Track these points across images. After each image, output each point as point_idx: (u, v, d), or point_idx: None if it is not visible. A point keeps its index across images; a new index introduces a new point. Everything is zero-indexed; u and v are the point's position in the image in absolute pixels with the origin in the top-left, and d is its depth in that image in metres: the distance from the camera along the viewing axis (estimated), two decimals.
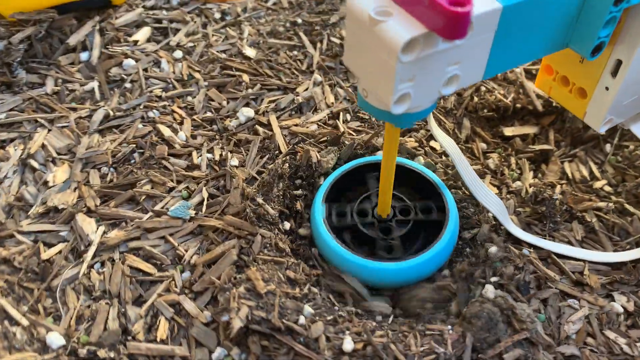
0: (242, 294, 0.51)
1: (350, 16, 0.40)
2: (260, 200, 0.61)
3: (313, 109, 0.73)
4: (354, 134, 0.70)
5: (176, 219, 0.63)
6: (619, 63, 0.54)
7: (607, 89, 0.56)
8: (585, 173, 0.75)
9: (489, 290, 0.55)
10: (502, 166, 0.73)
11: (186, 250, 0.60)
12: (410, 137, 0.72)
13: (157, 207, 0.64)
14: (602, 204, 0.70)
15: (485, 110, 0.77)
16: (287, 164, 0.64)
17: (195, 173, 0.67)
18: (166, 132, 0.71)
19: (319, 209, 0.60)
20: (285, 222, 0.61)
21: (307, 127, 0.70)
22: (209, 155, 0.69)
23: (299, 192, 0.64)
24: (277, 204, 0.61)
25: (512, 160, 0.75)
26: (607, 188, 0.73)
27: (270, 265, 0.56)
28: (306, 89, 0.76)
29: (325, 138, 0.68)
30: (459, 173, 0.66)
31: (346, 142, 0.68)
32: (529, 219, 0.68)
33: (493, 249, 0.61)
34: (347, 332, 0.52)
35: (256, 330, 0.51)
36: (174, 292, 0.57)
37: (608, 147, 0.77)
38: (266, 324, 0.50)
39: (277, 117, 0.72)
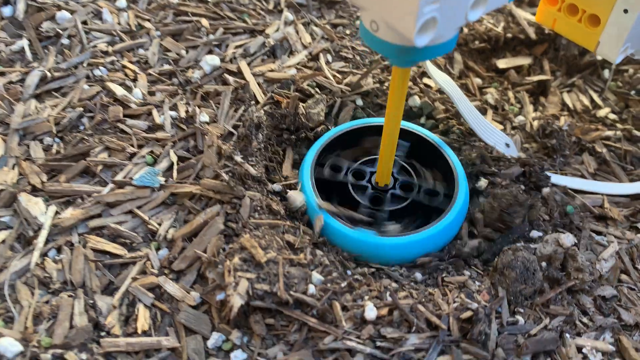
0: (238, 265, 0.42)
1: None
2: (238, 158, 0.51)
3: (288, 52, 0.64)
4: (339, 76, 0.61)
5: (143, 189, 0.53)
6: None
7: (625, 11, 0.49)
8: (587, 102, 0.69)
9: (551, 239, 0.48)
10: (502, 101, 0.67)
11: (159, 224, 0.51)
12: None
13: (119, 177, 0.54)
14: (609, 133, 0.65)
15: (476, 42, 0.70)
16: (263, 112, 0.55)
17: (159, 134, 0.57)
18: (118, 90, 0.60)
19: (309, 161, 0.52)
20: (275, 185, 0.52)
21: (285, 72, 0.61)
22: (173, 113, 0.59)
23: (284, 145, 0.56)
24: (260, 159, 0.52)
25: (510, 94, 0.68)
26: (612, 116, 0.68)
27: (265, 230, 0.47)
28: (277, 30, 0.66)
29: (308, 83, 0.59)
30: (460, 112, 0.59)
31: (332, 87, 0.59)
32: (538, 155, 0.62)
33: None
34: (367, 297, 0.44)
35: (258, 307, 0.43)
36: (151, 273, 0.48)
37: (607, 73, 0.72)
38: (271, 299, 0.42)
39: (248, 64, 0.62)
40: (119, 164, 0.55)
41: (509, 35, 0.72)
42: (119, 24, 0.68)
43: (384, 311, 0.43)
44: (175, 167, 0.54)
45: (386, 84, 0.62)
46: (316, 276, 0.44)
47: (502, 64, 0.71)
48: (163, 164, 0.55)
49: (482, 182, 0.54)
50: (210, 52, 0.65)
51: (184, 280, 0.47)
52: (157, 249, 0.50)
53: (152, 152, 0.56)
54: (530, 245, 0.48)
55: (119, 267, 0.49)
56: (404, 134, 0.56)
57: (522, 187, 0.55)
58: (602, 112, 0.68)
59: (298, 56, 0.63)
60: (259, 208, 0.49)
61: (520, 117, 0.66)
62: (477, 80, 0.69)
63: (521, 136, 0.63)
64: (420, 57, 0.38)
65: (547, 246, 0.48)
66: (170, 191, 0.53)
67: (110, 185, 0.53)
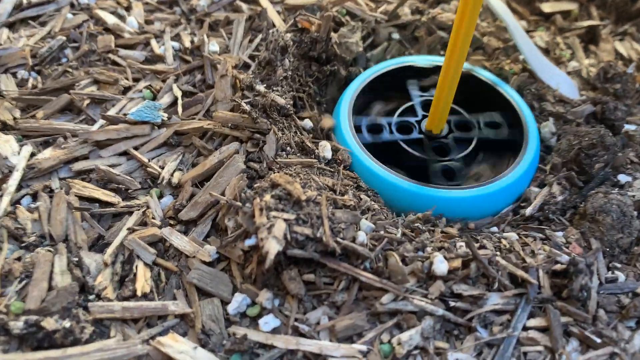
0: (272, 204, 0.32)
1: None
2: (260, 87, 0.42)
3: None
4: (371, 4, 0.52)
5: (141, 125, 0.43)
6: None
7: None
8: None
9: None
10: (553, 44, 0.58)
11: (162, 167, 0.41)
12: (442, 9, 0.55)
13: (111, 113, 0.44)
14: None
15: None
16: (289, 35, 0.46)
17: (160, 66, 0.47)
18: (109, 18, 0.50)
19: (345, 123, 0.43)
20: (306, 120, 0.43)
21: None
22: (175, 44, 0.49)
23: (316, 76, 0.46)
24: (287, 90, 0.43)
25: (559, 39, 0.60)
26: None
27: (298, 169, 0.38)
28: None
29: (337, 9, 0.50)
30: (518, 46, 0.50)
31: (365, 15, 0.50)
32: (607, 98, 0.53)
33: None
34: (431, 247, 0.35)
35: (295, 258, 0.33)
36: (153, 225, 0.38)
37: None
38: (314, 246, 0.32)
39: None
40: (110, 98, 0.45)
41: None
42: None
43: (457, 263, 0.33)
44: (179, 102, 0.45)
45: (425, 15, 0.53)
46: (365, 223, 0.35)
47: (547, 7, 0.63)
48: (164, 100, 0.45)
49: (549, 126, 0.45)
50: None
51: (195, 232, 0.38)
52: (160, 196, 0.40)
53: (150, 86, 0.46)
54: (616, 191, 0.39)
55: (111, 217, 0.39)
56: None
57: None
58: None
59: None
60: (287, 146, 0.39)
61: (574, 63, 0.57)
62: (522, 23, 0.60)
63: (578, 82, 0.54)
64: None
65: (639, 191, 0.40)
66: (174, 129, 0.43)
67: (100, 122, 0.43)
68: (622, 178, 0.41)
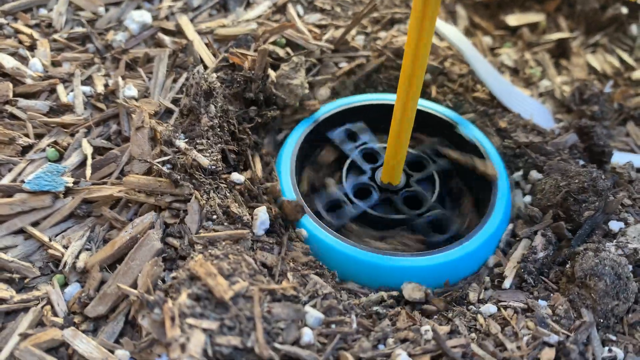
0: (187, 307, 0.26)
1: None
2: (180, 143, 0.35)
3: (244, 3, 0.47)
4: (316, 30, 0.45)
5: (41, 195, 0.35)
6: None
7: None
8: (617, 63, 0.56)
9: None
10: (522, 62, 0.53)
11: (66, 247, 0.34)
12: (399, 30, 0.48)
13: (4, 181, 0.36)
14: None
15: None
16: (215, 77, 0.39)
17: (67, 118, 0.40)
18: (7, 61, 0.43)
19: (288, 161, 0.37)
20: (234, 174, 0.36)
21: (242, 27, 0.44)
22: (86, 89, 0.42)
23: (255, 122, 0.40)
24: (213, 142, 0.36)
25: (527, 55, 0.55)
26: None
27: (227, 246, 0.31)
28: None
29: (274, 39, 0.43)
30: (476, 73, 0.45)
31: (309, 45, 0.44)
32: (593, 122, 0.48)
33: None
34: (393, 340, 0.28)
35: None
36: (54, 325, 0.31)
37: (634, 29, 0.59)
38: (245, 357, 0.25)
39: (191, 20, 0.46)
40: (5, 162, 0.37)
41: None
42: None
43: None
44: (89, 162, 0.37)
45: (380, 40, 0.46)
46: (312, 315, 0.28)
47: (512, 20, 0.57)
48: (72, 159, 0.38)
49: (529, 174, 0.39)
50: (138, 7, 0.47)
51: (104, 333, 0.30)
52: (63, 285, 0.33)
53: (55, 142, 0.39)
54: (609, 244, 0.34)
55: (2, 316, 0.32)
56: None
57: (581, 161, 0.41)
58: (637, 74, 0.55)
59: (258, 8, 0.46)
60: (213, 214, 0.32)
61: (545, 82, 0.52)
62: (487, 39, 0.55)
63: (552, 104, 0.49)
64: None
65: (634, 241, 0.34)
66: (81, 197, 0.36)
67: None
68: (614, 225, 0.35)
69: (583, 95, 0.49)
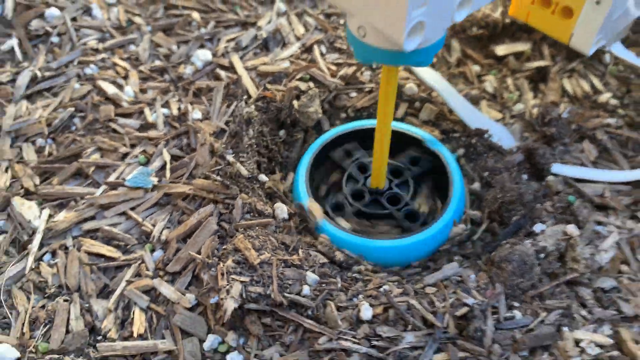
0: (231, 268, 0.42)
1: None
2: (230, 157, 0.51)
3: (281, 44, 0.63)
4: (333, 68, 0.60)
5: (136, 190, 0.52)
6: None
7: (597, 3, 0.49)
8: (587, 88, 0.68)
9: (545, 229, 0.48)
10: (501, 89, 0.65)
11: (154, 225, 0.51)
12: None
13: (111, 178, 0.53)
14: (611, 120, 0.63)
15: (474, 29, 0.68)
16: (253, 107, 0.54)
17: (152, 133, 0.57)
18: (109, 89, 0.60)
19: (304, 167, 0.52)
20: (261, 175, 0.52)
21: (278, 65, 0.60)
22: (165, 111, 0.58)
23: (281, 138, 0.55)
24: (251, 156, 0.52)
25: (509, 81, 0.67)
26: (613, 101, 0.66)
27: (258, 230, 0.47)
28: (269, 22, 0.65)
29: (301, 75, 0.58)
30: (452, 108, 0.58)
31: (326, 81, 0.58)
32: (537, 144, 0.60)
33: None
34: (362, 296, 0.43)
35: (254, 309, 0.42)
36: (146, 276, 0.48)
37: (607, 58, 0.70)
38: (265, 301, 0.41)
39: (241, 58, 0.61)
40: (111, 164, 0.54)
41: (507, 20, 0.70)
42: (108, 19, 0.67)
43: (379, 310, 0.42)
44: (168, 166, 0.54)
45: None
46: (311, 276, 0.44)
47: (500, 50, 0.69)
48: (156, 163, 0.54)
49: (476, 185, 0.53)
50: (201, 46, 0.63)
51: (179, 282, 0.47)
52: (152, 250, 0.50)
53: (144, 151, 0.55)
54: (527, 240, 0.47)
55: (113, 270, 0.49)
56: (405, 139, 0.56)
57: (525, 176, 0.54)
58: (603, 98, 0.66)
59: (291, 48, 0.62)
60: (251, 209, 0.48)
61: (520, 105, 0.64)
62: (476, 68, 0.67)
63: (521, 125, 0.62)
64: (414, 59, 0.37)
65: (549, 239, 0.48)
66: (163, 191, 0.52)
67: (103, 187, 0.53)
68: (537, 227, 0.49)
69: (545, 118, 0.61)
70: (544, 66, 0.68)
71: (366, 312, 0.42)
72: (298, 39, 0.63)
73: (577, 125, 0.62)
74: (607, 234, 0.52)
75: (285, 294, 0.42)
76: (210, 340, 0.43)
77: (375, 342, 0.41)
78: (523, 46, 0.70)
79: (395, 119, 0.58)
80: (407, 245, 0.49)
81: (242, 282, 0.41)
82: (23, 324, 0.45)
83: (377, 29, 0.34)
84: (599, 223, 0.54)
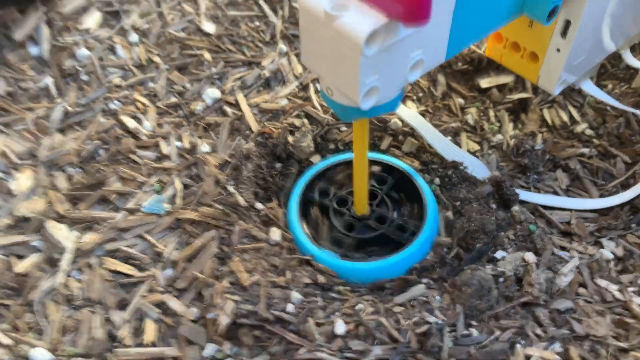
0: (226, 288, 0.49)
1: (303, 14, 0.37)
2: (230, 188, 0.58)
3: (281, 82, 0.70)
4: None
5: (151, 215, 0.60)
6: (567, 24, 0.53)
7: (558, 50, 0.56)
8: (565, 118, 0.73)
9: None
10: (482, 120, 0.71)
11: (165, 247, 0.58)
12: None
13: (130, 205, 0.61)
14: (585, 150, 0.69)
15: (459, 64, 0.74)
16: (252, 143, 0.62)
17: (166, 164, 0.65)
18: (130, 123, 0.68)
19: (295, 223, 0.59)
20: (258, 203, 0.59)
21: (277, 103, 0.67)
22: (178, 144, 0.66)
23: (277, 170, 0.63)
24: (249, 187, 0.59)
25: (491, 112, 0.73)
26: (589, 132, 0.71)
27: (252, 253, 0.54)
28: (272, 62, 0.73)
29: (297, 113, 0.65)
30: (430, 144, 0.65)
31: (318, 117, 0.66)
32: (512, 173, 0.66)
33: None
34: (338, 314, 0.51)
35: (245, 323, 0.50)
36: (158, 291, 0.55)
37: None
38: (254, 317, 0.49)
39: (245, 95, 0.69)
40: (130, 192, 0.63)
41: None
42: (131, 58, 0.76)
43: (352, 326, 0.49)
44: (179, 194, 0.62)
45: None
46: (296, 295, 0.51)
47: (484, 83, 0.75)
48: (169, 191, 0.62)
49: (449, 213, 0.60)
50: (212, 84, 0.71)
51: (185, 298, 0.55)
52: (163, 269, 0.57)
53: (159, 180, 0.64)
54: (488, 266, 0.53)
55: (130, 285, 0.57)
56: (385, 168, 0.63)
57: (494, 205, 0.60)
58: (579, 128, 0.72)
59: (289, 87, 0.69)
60: (246, 234, 0.56)
61: (499, 136, 0.70)
62: (460, 101, 0.73)
63: (497, 155, 0.68)
64: (375, 112, 0.44)
65: (507, 264, 0.54)
66: (174, 217, 0.60)
67: (123, 212, 0.61)
68: (499, 254, 0.55)
69: (519, 149, 0.67)
70: (525, 98, 0.74)
71: (340, 327, 0.49)
72: (296, 77, 0.70)
73: (551, 155, 0.68)
74: (568, 259, 0.58)
75: (272, 311, 0.49)
76: (209, 349, 0.51)
77: (347, 354, 0.48)
78: (506, 78, 0.76)
79: (380, 151, 0.65)
80: (383, 267, 0.56)
81: (235, 300, 0.49)
82: (54, 331, 0.53)
83: (340, 90, 0.41)
84: (563, 248, 0.59)
